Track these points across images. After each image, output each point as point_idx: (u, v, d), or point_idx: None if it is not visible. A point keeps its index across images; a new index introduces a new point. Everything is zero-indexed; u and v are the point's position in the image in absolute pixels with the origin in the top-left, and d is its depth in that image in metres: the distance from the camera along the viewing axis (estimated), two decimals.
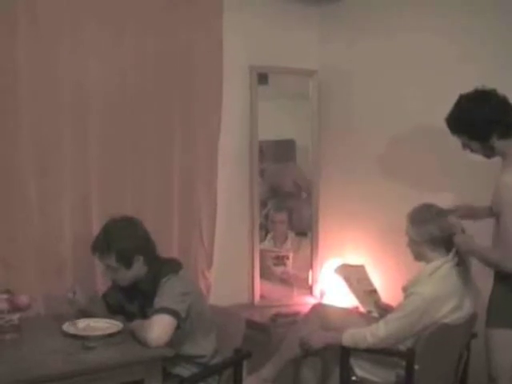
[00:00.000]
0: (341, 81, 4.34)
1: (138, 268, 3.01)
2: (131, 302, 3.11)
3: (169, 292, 2.90)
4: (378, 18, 4.08)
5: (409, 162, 3.93)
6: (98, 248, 3.01)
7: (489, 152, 2.94)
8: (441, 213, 3.15)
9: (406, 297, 3.17)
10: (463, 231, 3.09)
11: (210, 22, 3.84)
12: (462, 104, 2.92)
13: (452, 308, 3.07)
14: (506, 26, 3.45)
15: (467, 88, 2.94)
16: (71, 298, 3.12)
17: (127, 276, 3.01)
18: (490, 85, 2.92)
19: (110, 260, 2.97)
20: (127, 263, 2.97)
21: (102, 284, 3.41)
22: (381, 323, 3.15)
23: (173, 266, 3.05)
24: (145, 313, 2.97)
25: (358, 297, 3.65)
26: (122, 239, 2.97)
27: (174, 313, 2.82)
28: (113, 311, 3.17)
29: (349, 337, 3.17)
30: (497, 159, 2.97)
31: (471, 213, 3.21)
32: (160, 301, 2.88)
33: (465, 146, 2.98)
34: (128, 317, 3.05)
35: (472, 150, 2.99)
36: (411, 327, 3.07)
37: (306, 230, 4.49)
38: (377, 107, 4.11)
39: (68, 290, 3.14)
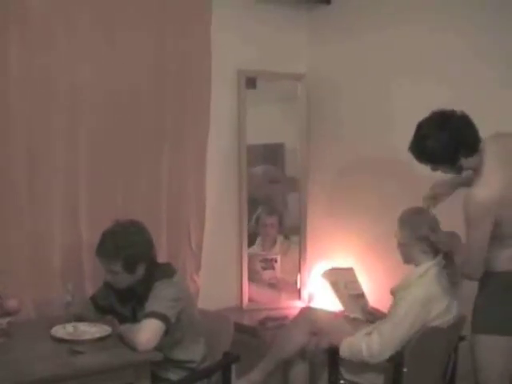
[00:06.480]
0: (329, 84, 4.34)
1: (139, 273, 3.00)
2: (124, 304, 3.10)
3: (160, 296, 2.90)
4: (366, 21, 4.08)
5: (398, 166, 3.92)
6: (104, 253, 2.96)
7: (459, 171, 2.92)
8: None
9: (397, 301, 3.15)
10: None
11: (198, 26, 3.84)
12: (423, 132, 2.83)
13: (442, 310, 3.08)
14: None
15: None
16: (70, 301, 3.05)
17: (127, 280, 2.99)
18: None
19: (115, 266, 2.93)
20: (132, 269, 2.96)
21: (90, 288, 3.39)
22: (374, 336, 3.08)
23: (167, 271, 3.05)
24: (136, 316, 2.97)
25: (343, 303, 3.64)
26: (131, 246, 2.94)
27: (163, 317, 2.82)
28: (102, 312, 3.16)
29: (346, 348, 3.15)
30: None
31: (446, 188, 3.20)
32: (151, 305, 2.87)
33: (434, 169, 2.93)
34: (119, 319, 3.04)
35: (442, 171, 2.95)
36: (407, 332, 3.03)
37: (294, 234, 4.49)
38: (366, 111, 4.12)
39: (65, 293, 3.09)
